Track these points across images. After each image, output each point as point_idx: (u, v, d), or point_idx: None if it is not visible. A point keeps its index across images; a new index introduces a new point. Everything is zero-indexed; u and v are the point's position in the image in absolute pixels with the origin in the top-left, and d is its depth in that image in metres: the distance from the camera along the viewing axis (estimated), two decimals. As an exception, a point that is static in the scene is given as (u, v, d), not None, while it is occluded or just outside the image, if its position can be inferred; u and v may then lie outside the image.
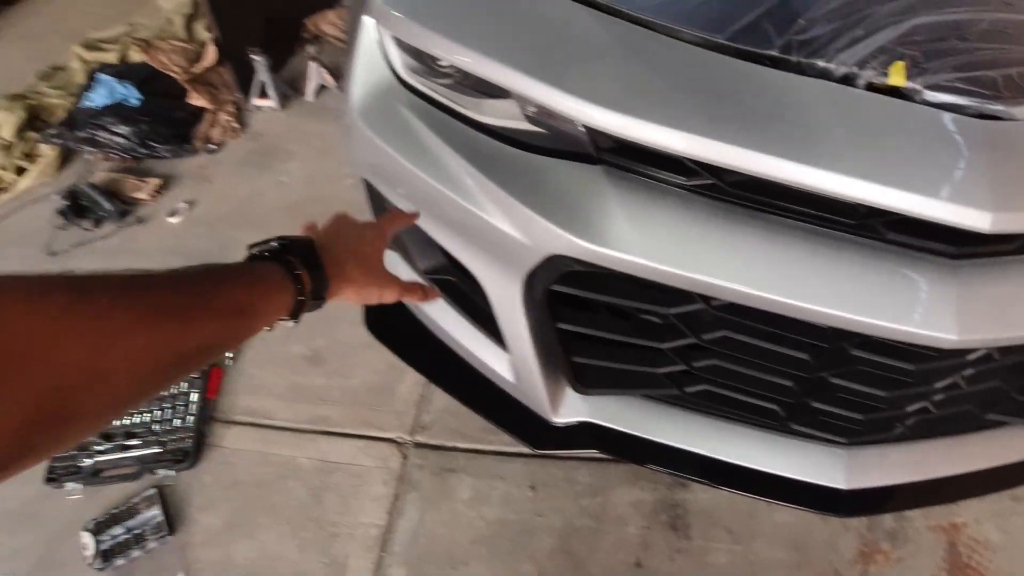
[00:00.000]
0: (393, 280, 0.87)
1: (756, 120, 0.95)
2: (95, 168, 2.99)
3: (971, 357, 1.06)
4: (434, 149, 1.17)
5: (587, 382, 1.34)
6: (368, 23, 1.25)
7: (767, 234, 0.99)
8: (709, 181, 1.00)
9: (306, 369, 2.06)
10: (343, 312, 2.10)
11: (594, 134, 1.03)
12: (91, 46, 3.91)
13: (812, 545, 1.60)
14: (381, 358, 1.99)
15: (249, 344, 2.15)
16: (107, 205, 2.69)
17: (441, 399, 1.91)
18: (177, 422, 1.91)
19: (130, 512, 1.75)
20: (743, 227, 1.00)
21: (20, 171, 3.06)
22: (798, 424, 1.25)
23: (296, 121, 3.22)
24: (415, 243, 1.43)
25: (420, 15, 1.12)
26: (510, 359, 1.32)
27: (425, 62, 1.19)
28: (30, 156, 3.11)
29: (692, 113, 0.96)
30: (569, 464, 1.76)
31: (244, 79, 3.29)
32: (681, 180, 1.02)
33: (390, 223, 0.95)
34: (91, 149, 3.01)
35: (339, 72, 3.41)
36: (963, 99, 0.95)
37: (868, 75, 0.97)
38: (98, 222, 2.69)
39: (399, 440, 1.85)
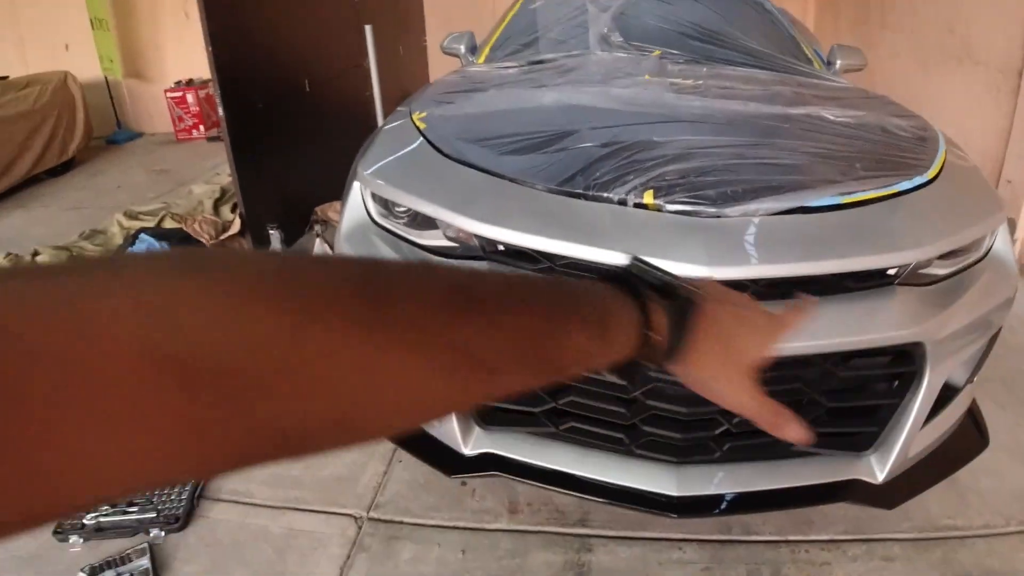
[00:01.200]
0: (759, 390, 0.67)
1: (572, 227, 1.62)
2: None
3: None
4: (390, 257, 1.83)
5: (489, 421, 1.84)
6: (355, 185, 2.03)
7: None
8: (545, 265, 1.65)
9: (288, 464, 2.48)
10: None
11: (481, 241, 1.72)
12: (131, 215, 4.70)
13: None
14: (351, 455, 2.47)
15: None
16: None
17: (394, 486, 2.34)
18: (172, 495, 2.31)
19: (122, 560, 2.09)
20: None
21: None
22: (638, 447, 1.72)
23: (301, 283, 3.87)
24: None
25: (388, 180, 1.90)
26: None
27: (388, 208, 1.92)
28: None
29: (536, 225, 1.63)
30: (495, 534, 2.14)
31: (259, 250, 4.00)
32: (530, 266, 1.66)
33: (795, 315, 0.70)
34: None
35: (342, 247, 4.14)
36: (690, 207, 1.62)
37: (633, 199, 1.67)
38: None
39: (356, 515, 2.24)
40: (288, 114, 4.52)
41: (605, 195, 1.69)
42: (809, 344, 1.54)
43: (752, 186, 1.69)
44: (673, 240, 1.57)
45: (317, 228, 4.18)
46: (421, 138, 2.08)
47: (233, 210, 4.76)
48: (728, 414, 1.66)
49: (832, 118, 2.22)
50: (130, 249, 3.83)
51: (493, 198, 1.75)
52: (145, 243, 3.83)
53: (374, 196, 1.97)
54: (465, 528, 2.18)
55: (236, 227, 4.04)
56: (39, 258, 3.93)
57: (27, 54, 8.49)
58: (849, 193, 1.70)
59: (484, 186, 1.80)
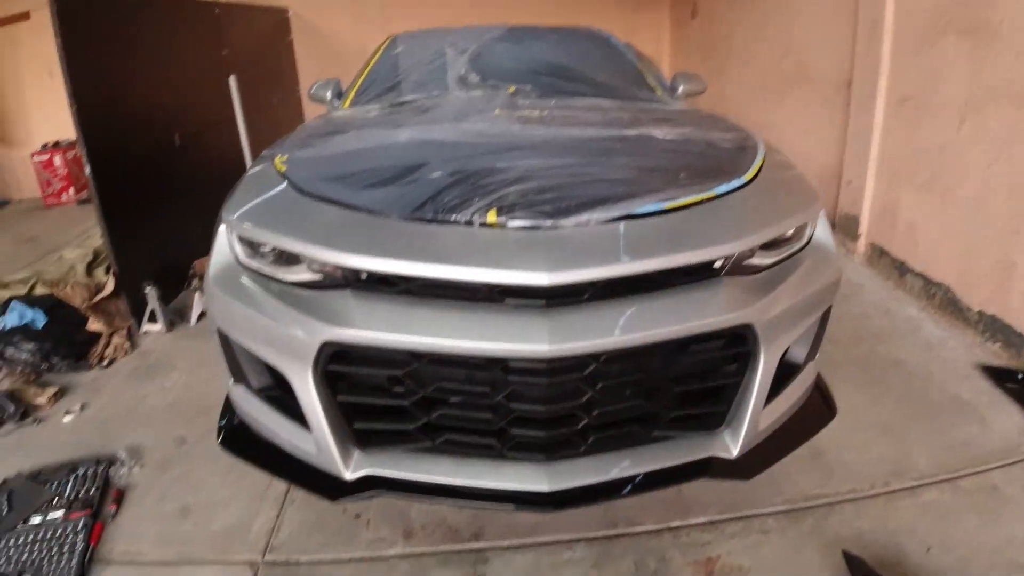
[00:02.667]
0: None
1: (427, 249, 1.78)
2: (1, 383, 3.45)
3: (586, 372, 1.74)
4: (258, 297, 1.96)
5: (366, 442, 1.94)
6: (221, 229, 2.15)
7: (443, 310, 1.75)
8: (406, 287, 1.80)
9: (177, 520, 2.48)
10: (210, 470, 2.61)
11: (343, 271, 1.85)
12: (1, 284, 4.53)
13: None
14: (241, 507, 2.52)
15: (128, 500, 2.58)
16: (10, 407, 3.15)
17: (288, 528, 2.39)
18: (63, 565, 2.27)
19: None
20: (429, 308, 1.76)
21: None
22: (509, 449, 1.87)
23: (179, 342, 3.87)
24: (250, 367, 2.11)
25: (252, 222, 2.02)
26: (312, 437, 1.91)
27: (254, 249, 2.04)
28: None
29: (393, 251, 1.78)
30: (392, 561, 2.22)
31: (137, 308, 3.96)
32: (390, 290, 1.81)
33: None
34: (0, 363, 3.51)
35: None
36: (530, 221, 1.82)
37: (479, 219, 1.84)
38: (0, 422, 3.12)
39: (251, 561, 2.27)
40: (159, 170, 4.51)
41: (453, 218, 1.86)
42: (648, 334, 1.73)
43: (584, 199, 1.89)
44: (516, 253, 1.74)
45: (195, 283, 4.17)
46: (283, 180, 2.20)
47: (107, 271, 4.68)
48: (587, 408, 1.84)
49: (661, 136, 2.48)
50: (1, 318, 3.71)
51: (352, 230, 1.88)
52: (16, 311, 3.72)
53: (240, 239, 2.07)
54: (362, 559, 2.24)
55: (110, 287, 3.97)
56: None
57: None
58: (671, 199, 1.94)
59: (343, 220, 1.93)
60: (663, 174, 2.10)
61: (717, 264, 1.89)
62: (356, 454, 1.94)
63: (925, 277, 3.96)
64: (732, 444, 1.99)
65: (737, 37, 6.51)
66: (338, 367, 1.83)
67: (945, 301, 3.78)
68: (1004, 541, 2.20)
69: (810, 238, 2.15)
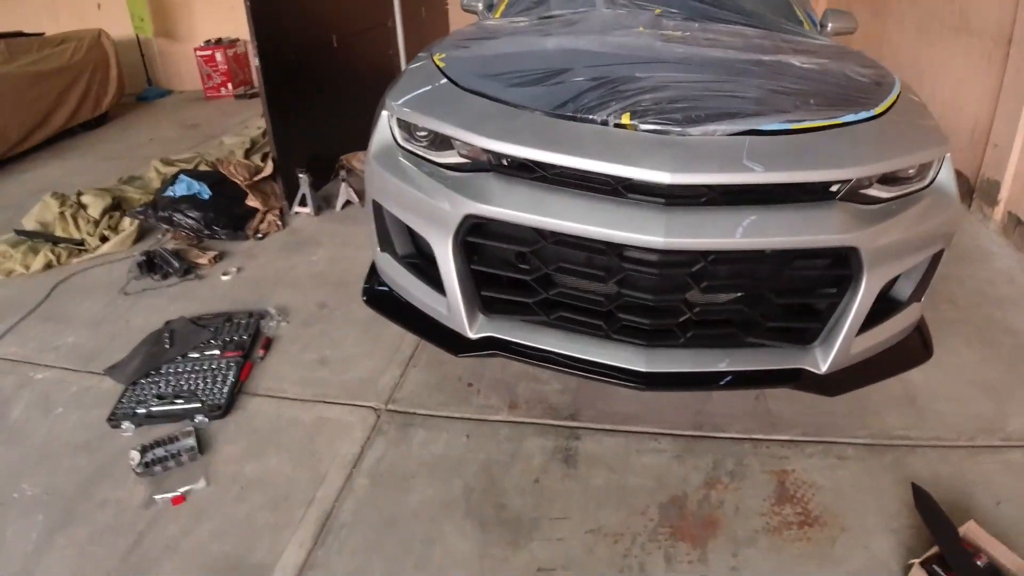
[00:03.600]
0: None
1: (564, 142, 1.98)
2: (166, 243, 3.99)
3: (694, 268, 1.92)
4: (412, 174, 2.24)
5: (491, 309, 2.23)
6: (383, 114, 2.41)
7: (572, 197, 1.97)
8: (541, 174, 2.02)
9: (316, 367, 2.89)
10: (347, 331, 2.99)
11: (488, 155, 2.11)
12: (167, 162, 5.13)
13: (669, 477, 2.30)
14: (371, 364, 2.88)
15: (274, 348, 3.01)
16: (175, 264, 3.64)
17: (409, 386, 2.73)
18: (215, 390, 2.72)
19: (171, 439, 2.47)
20: (560, 194, 1.99)
21: (103, 240, 4.08)
22: (615, 332, 2.09)
23: (326, 225, 4.28)
24: (398, 236, 2.42)
25: (412, 107, 2.28)
26: (446, 300, 2.21)
27: (411, 133, 2.31)
28: (114, 230, 4.15)
29: (535, 141, 2.00)
30: (496, 424, 2.52)
31: (290, 191, 4.40)
32: (527, 175, 2.04)
33: None
34: (167, 227, 4.04)
35: (363, 193, 4.53)
36: (660, 127, 1.98)
37: (613, 120, 2.03)
38: (165, 276, 3.63)
39: (376, 407, 2.63)
40: (317, 68, 4.88)
41: (590, 117, 2.06)
42: (758, 240, 1.88)
43: (713, 112, 2.04)
44: (644, 152, 1.92)
45: (343, 174, 4.55)
46: (441, 74, 2.46)
47: (263, 159, 5.16)
48: (690, 303, 2.02)
49: (799, 64, 2.54)
50: (170, 188, 4.23)
51: (500, 120, 2.10)
52: (184, 182, 4.23)
53: (399, 123, 2.35)
54: (470, 419, 2.56)
55: (268, 170, 4.42)
56: (83, 198, 4.35)
57: (58, 13, 8.93)
58: (797, 120, 2.05)
59: (493, 111, 2.16)
60: (794, 97, 2.19)
61: (833, 188, 2.00)
62: (480, 318, 2.24)
63: (1059, 253, 3.74)
64: (822, 361, 2.13)
65: None
66: (475, 239, 2.11)
67: (1078, 279, 3.57)
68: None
69: (932, 180, 2.21)
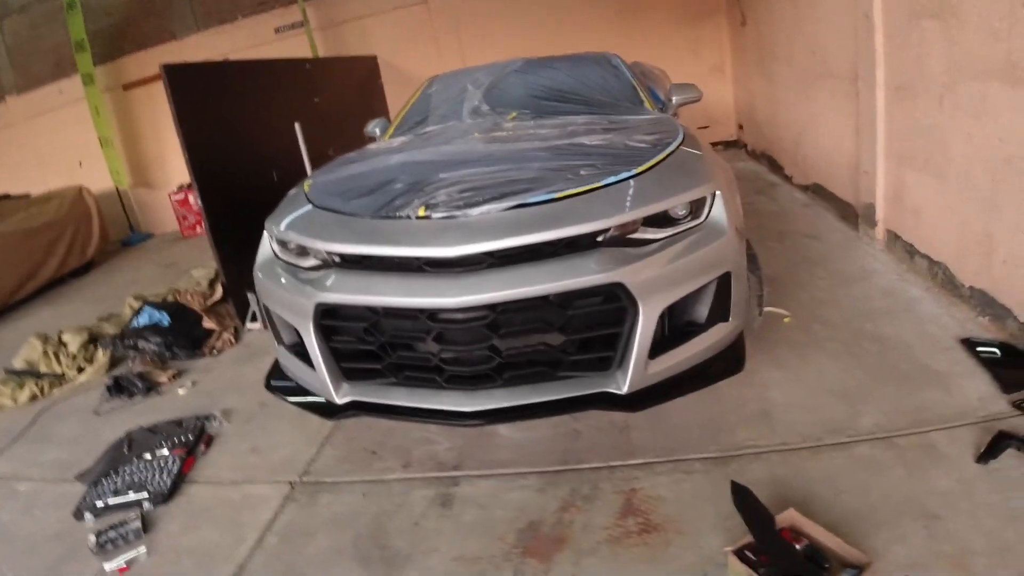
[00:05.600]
0: None
1: (379, 237, 2.66)
2: (134, 368, 4.60)
3: (489, 320, 2.48)
4: (283, 278, 2.91)
5: (351, 377, 2.82)
6: (264, 234, 3.11)
7: (390, 278, 2.60)
8: (368, 264, 2.68)
9: (248, 455, 3.44)
10: (279, 423, 3.53)
11: (330, 256, 2.80)
12: (139, 297, 5.78)
13: (530, 507, 2.70)
14: (294, 447, 3.43)
15: (215, 444, 3.58)
16: (139, 385, 4.25)
17: (323, 460, 3.26)
18: (161, 481, 3.24)
19: (121, 523, 2.97)
20: (381, 277, 2.61)
21: (80, 371, 4.71)
22: (446, 381, 2.67)
23: (275, 336, 4.89)
24: (283, 329, 3.05)
25: (280, 226, 2.97)
26: (316, 375, 2.81)
27: (284, 247, 2.96)
28: (89, 361, 4.78)
29: (360, 239, 2.68)
30: (390, 483, 3.02)
31: (241, 311, 5.03)
32: (358, 267, 2.68)
33: None
34: (134, 353, 4.66)
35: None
36: (447, 212, 2.64)
37: (413, 213, 2.67)
38: (131, 395, 4.24)
39: (291, 480, 3.15)
40: (259, 202, 5.53)
41: (398, 214, 2.75)
42: (532, 288, 2.43)
43: (490, 195, 2.66)
44: (437, 235, 2.55)
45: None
46: (304, 197, 3.18)
47: (219, 285, 5.82)
48: (495, 350, 2.58)
49: (588, 143, 3.15)
50: (135, 319, 4.89)
51: (336, 228, 2.82)
52: (147, 313, 4.90)
53: (276, 240, 3.07)
54: (369, 481, 3.07)
55: (219, 294, 5.11)
56: (63, 336, 5.01)
57: (46, 172, 9.91)
58: (560, 190, 2.65)
59: (333, 221, 2.88)
60: (566, 172, 2.79)
61: (600, 238, 2.55)
62: (344, 385, 2.84)
63: (929, 258, 4.10)
64: (622, 383, 2.62)
65: (780, 40, 6.79)
66: (329, 322, 2.73)
67: (945, 280, 3.91)
68: (923, 492, 2.40)
69: (707, 216, 2.71)
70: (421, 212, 2.67)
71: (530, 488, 2.86)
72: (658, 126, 3.42)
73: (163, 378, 4.38)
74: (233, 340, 4.86)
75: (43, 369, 4.80)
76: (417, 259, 2.55)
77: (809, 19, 5.88)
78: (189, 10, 9.69)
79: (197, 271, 6.63)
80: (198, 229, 9.20)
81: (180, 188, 9.39)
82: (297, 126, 5.42)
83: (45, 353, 4.88)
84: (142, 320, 4.87)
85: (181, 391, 4.25)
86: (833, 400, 3.04)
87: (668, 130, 3.31)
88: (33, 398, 4.57)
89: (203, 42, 9.31)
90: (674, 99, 4.20)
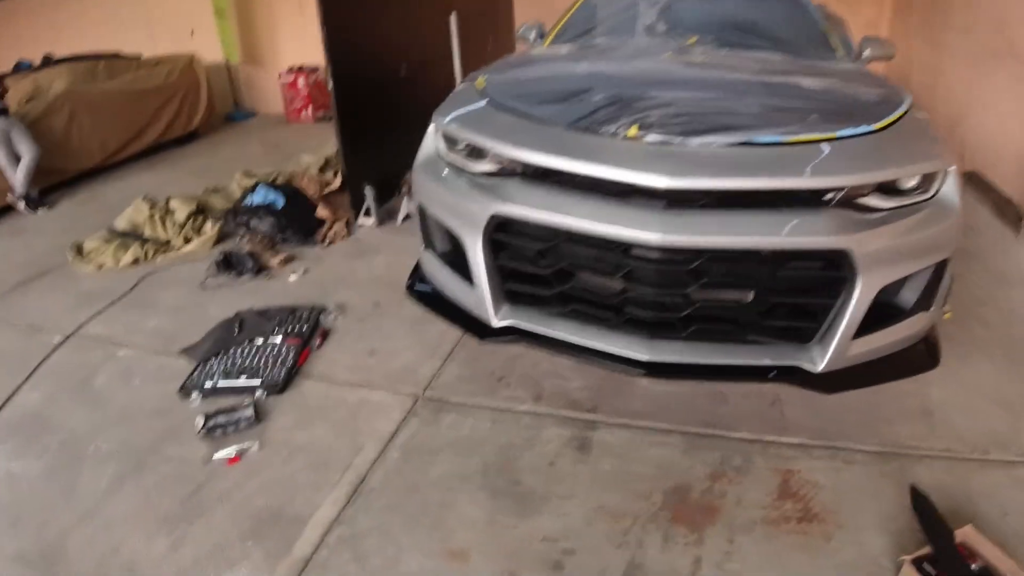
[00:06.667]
0: None
1: (578, 151, 2.33)
2: (242, 246, 4.47)
3: (691, 265, 2.19)
4: (451, 180, 2.63)
5: (514, 301, 2.57)
6: (430, 129, 2.83)
7: (583, 199, 2.30)
8: (558, 179, 2.37)
9: (365, 357, 3.27)
10: (396, 327, 3.35)
11: (514, 163, 2.50)
12: (249, 174, 5.65)
13: (675, 468, 2.54)
14: (414, 356, 3.23)
15: (331, 339, 3.41)
16: (249, 264, 4.11)
17: (446, 377, 3.07)
18: (275, 371, 3.11)
19: (232, 409, 2.85)
20: (573, 197, 2.31)
21: (187, 241, 4.60)
22: (623, 323, 2.39)
23: (387, 235, 4.72)
24: (438, 235, 2.79)
25: (454, 123, 2.68)
26: (474, 290, 2.57)
27: (452, 146, 2.70)
28: (197, 233, 4.67)
29: (554, 150, 2.36)
30: (520, 414, 2.82)
31: (357, 205, 4.84)
32: (546, 180, 2.42)
33: None
34: (244, 231, 4.52)
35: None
36: (663, 138, 2.30)
37: (621, 132, 2.37)
38: (240, 274, 4.09)
39: (413, 393, 2.97)
40: (386, 94, 5.34)
41: (603, 129, 2.41)
42: (748, 239, 2.15)
43: (712, 125, 2.32)
44: (647, 160, 2.23)
45: (405, 190, 4.98)
46: (480, 95, 2.86)
47: (335, 175, 5.65)
48: (689, 299, 2.29)
49: (807, 84, 2.80)
50: (248, 196, 4.74)
51: (525, 133, 2.49)
52: (261, 192, 4.73)
53: (444, 137, 2.77)
54: (497, 408, 2.87)
55: (337, 183, 4.91)
56: (171, 203, 4.91)
57: (156, 38, 9.81)
58: (792, 133, 2.31)
59: (520, 126, 2.55)
60: (793, 113, 2.45)
61: (827, 196, 2.24)
62: (504, 307, 2.59)
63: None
64: (819, 359, 2.34)
65: (958, 6, 6.23)
66: (501, 237, 2.47)
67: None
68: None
69: (935, 193, 2.39)
70: (632, 132, 2.36)
71: (673, 447, 2.67)
72: (872, 80, 3.07)
73: (273, 261, 4.24)
74: (345, 233, 4.68)
75: (147, 233, 4.70)
76: (622, 184, 2.25)
77: None
78: None
79: (306, 156, 6.49)
80: (303, 114, 9.03)
81: (291, 70, 9.18)
82: (453, 18, 5.09)
83: (151, 218, 4.77)
84: (256, 198, 4.71)
85: (292, 277, 4.10)
86: (996, 409, 2.84)
87: (888, 86, 2.97)
88: (135, 261, 4.45)
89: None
90: (866, 52, 3.77)
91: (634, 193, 2.25)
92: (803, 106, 2.55)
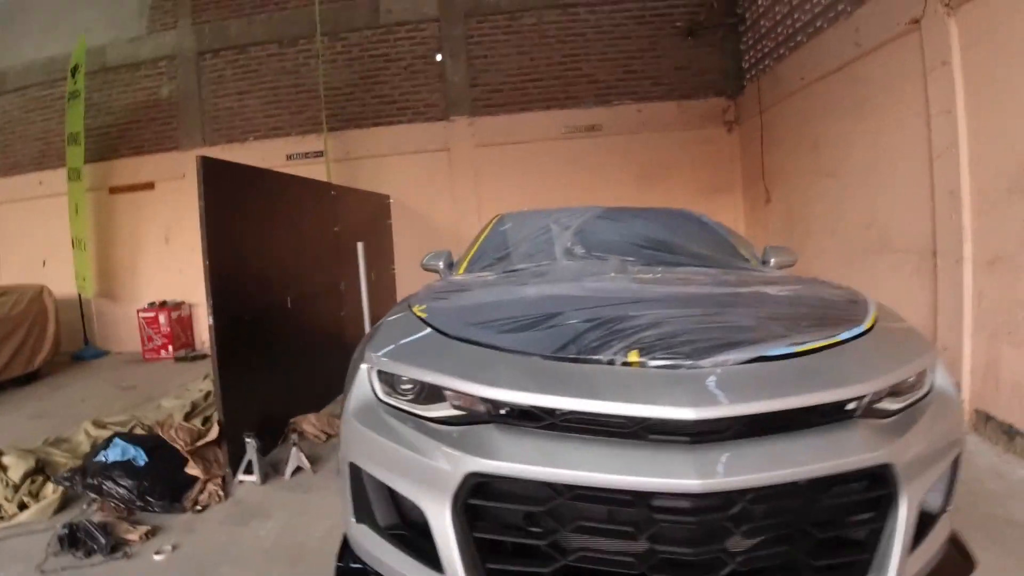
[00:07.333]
0: None
1: (573, 385, 1.93)
2: (91, 514, 3.66)
3: (733, 510, 1.78)
4: (399, 432, 2.12)
5: None
6: (362, 368, 2.34)
7: (589, 445, 1.88)
8: (547, 421, 1.93)
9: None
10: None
11: (487, 405, 2.01)
12: (99, 424, 4.91)
13: None
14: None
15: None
16: (101, 539, 3.30)
17: None
18: None
19: None
20: (575, 443, 1.89)
21: (21, 507, 3.74)
22: None
23: (274, 493, 4.02)
24: (379, 503, 2.21)
25: (397, 359, 2.24)
26: None
27: (393, 387, 2.23)
28: (34, 497, 3.83)
29: (539, 386, 1.94)
30: None
31: (235, 458, 4.19)
32: (533, 424, 1.95)
33: None
34: (95, 496, 3.73)
35: (315, 459, 4.36)
36: (670, 361, 1.98)
37: (620, 358, 2.01)
38: (89, 553, 3.27)
39: None
40: (271, 328, 4.92)
41: (595, 357, 2.03)
42: (796, 471, 1.80)
43: (718, 342, 2.05)
44: (659, 389, 1.88)
45: (294, 438, 4.39)
46: (424, 324, 2.46)
47: (204, 423, 4.99)
48: (731, 552, 1.85)
49: (774, 292, 2.67)
50: (102, 452, 3.98)
51: (498, 367, 2.04)
52: (119, 447, 3.99)
53: (380, 376, 2.26)
54: None
55: (214, 434, 4.21)
56: (3, 459, 4.05)
57: (1, 267, 9.06)
58: (800, 343, 2.08)
59: (488, 358, 2.11)
60: (786, 322, 2.26)
61: (851, 406, 1.98)
62: None
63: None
64: None
65: (816, 214, 6.83)
66: (477, 501, 1.94)
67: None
68: None
69: (932, 385, 2.24)
70: (633, 357, 2.03)
71: None
72: (821, 283, 3.02)
73: (133, 535, 3.44)
74: (221, 494, 3.96)
75: (-28, 497, 3.81)
76: (638, 420, 1.87)
77: (862, 194, 5.89)
78: (199, 123, 9.33)
79: (168, 401, 5.80)
80: (163, 353, 8.33)
81: (151, 305, 8.60)
82: (360, 246, 4.86)
83: (-22, 477, 3.90)
84: (112, 455, 3.94)
85: (158, 557, 3.29)
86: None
87: (839, 286, 2.92)
88: (-45, 535, 3.54)
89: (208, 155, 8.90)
90: (772, 260, 3.85)
91: (647, 431, 1.87)
92: (789, 312, 2.39)
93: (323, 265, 6.17)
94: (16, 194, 9.63)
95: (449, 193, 9.12)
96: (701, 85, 9.03)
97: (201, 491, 3.93)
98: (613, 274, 3.13)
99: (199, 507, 3.82)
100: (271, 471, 4.29)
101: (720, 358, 2.01)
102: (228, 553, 3.32)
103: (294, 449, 4.29)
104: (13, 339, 6.67)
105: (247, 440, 4.14)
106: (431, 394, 2.15)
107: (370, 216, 8.15)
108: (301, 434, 4.68)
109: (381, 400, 2.26)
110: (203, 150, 8.98)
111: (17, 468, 4.01)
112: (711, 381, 1.93)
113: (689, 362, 1.99)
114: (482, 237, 4.30)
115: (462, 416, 2.09)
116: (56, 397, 6.52)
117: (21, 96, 9.89)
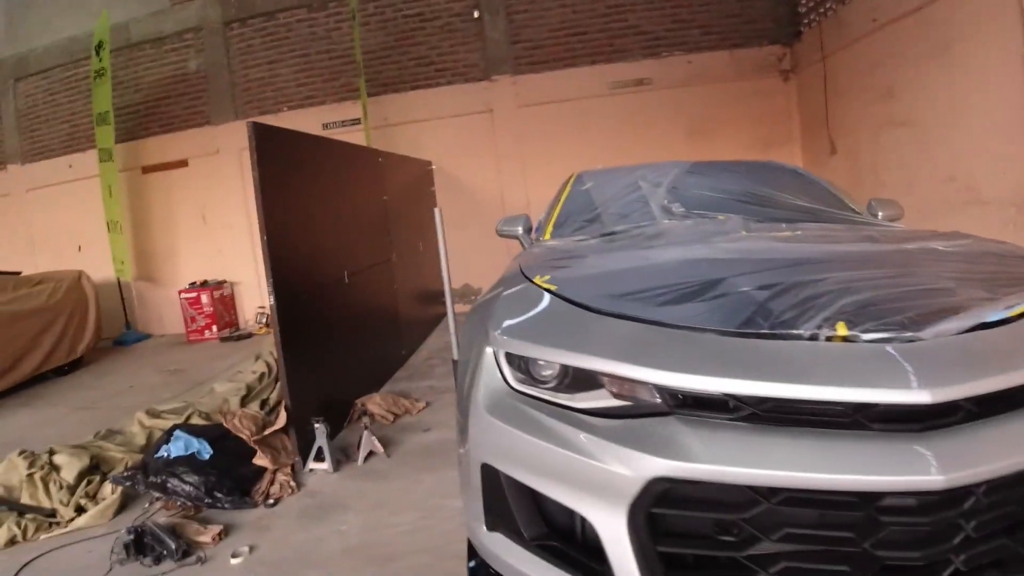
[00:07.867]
0: None
1: (768, 367, 1.55)
2: (155, 515, 3.35)
3: (967, 505, 1.43)
4: (548, 426, 1.72)
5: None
6: (487, 351, 1.94)
7: (800, 438, 1.50)
8: (748, 412, 1.54)
9: None
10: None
11: (663, 393, 1.62)
12: (154, 414, 4.59)
13: None
14: None
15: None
16: (171, 544, 2.98)
17: None
18: None
19: None
20: (782, 436, 1.50)
21: (79, 511, 3.44)
22: None
23: (349, 483, 3.68)
24: (523, 510, 1.82)
25: (532, 339, 1.86)
26: None
27: (529, 373, 1.84)
28: (92, 499, 3.52)
29: (730, 369, 1.56)
30: None
31: (303, 445, 3.86)
32: (724, 416, 1.56)
33: None
34: (158, 495, 3.42)
35: (386, 441, 4.01)
36: (886, 334, 1.61)
37: (823, 333, 1.64)
38: (159, 559, 2.95)
39: None
40: (330, 305, 4.58)
41: (793, 332, 1.66)
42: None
43: (929, 309, 1.68)
44: (879, 367, 1.51)
45: (365, 420, 4.06)
46: (557, 298, 2.05)
47: (262, 406, 4.68)
48: (957, 551, 1.47)
49: (943, 249, 2.28)
50: (164, 447, 3.66)
51: (669, 346, 1.68)
52: (181, 440, 3.67)
53: (510, 360, 1.89)
54: None
55: (282, 421, 3.87)
56: (56, 457, 3.76)
57: (37, 252, 8.84)
58: (1013, 306, 1.70)
59: (652, 337, 1.74)
60: (980, 282, 1.89)
61: None
62: None
63: None
64: None
65: (890, 166, 6.45)
66: (663, 511, 1.57)
67: None
68: None
69: None
70: (841, 330, 1.64)
71: None
72: (967, 236, 2.60)
73: (206, 536, 3.13)
74: (293, 485, 3.63)
75: (26, 500, 3.51)
76: (859, 407, 1.49)
77: (942, 145, 5.51)
78: (230, 96, 8.96)
79: (220, 385, 5.47)
80: (207, 333, 8.06)
81: (192, 286, 8.32)
82: (437, 212, 4.48)
83: (30, 478, 3.60)
84: (175, 449, 3.62)
85: (235, 560, 2.96)
86: None
87: (994, 240, 2.55)
88: (11, 542, 3.26)
89: (240, 129, 8.53)
90: (880, 214, 3.42)
91: (870, 419, 1.49)
92: (977, 271, 2.02)
93: (376, 236, 5.82)
94: (46, 179, 9.36)
95: (492, 157, 8.70)
96: (754, 33, 8.51)
97: (271, 483, 3.61)
98: (744, 232, 2.72)
99: (271, 500, 3.49)
100: (342, 457, 3.96)
101: (940, 327, 1.61)
102: (310, 555, 2.99)
103: (365, 432, 3.95)
104: (54, 328, 6.41)
105: (316, 425, 3.81)
106: (577, 380, 1.76)
107: (416, 183, 7.78)
108: (371, 416, 4.33)
109: (514, 389, 1.87)
110: (235, 124, 8.65)
111: (71, 467, 3.71)
112: (937, 356, 1.55)
113: (908, 334, 1.61)
114: (564, 198, 3.89)
115: (625, 408, 1.69)
116: (102, 386, 6.26)
117: (45, 79, 9.57)
